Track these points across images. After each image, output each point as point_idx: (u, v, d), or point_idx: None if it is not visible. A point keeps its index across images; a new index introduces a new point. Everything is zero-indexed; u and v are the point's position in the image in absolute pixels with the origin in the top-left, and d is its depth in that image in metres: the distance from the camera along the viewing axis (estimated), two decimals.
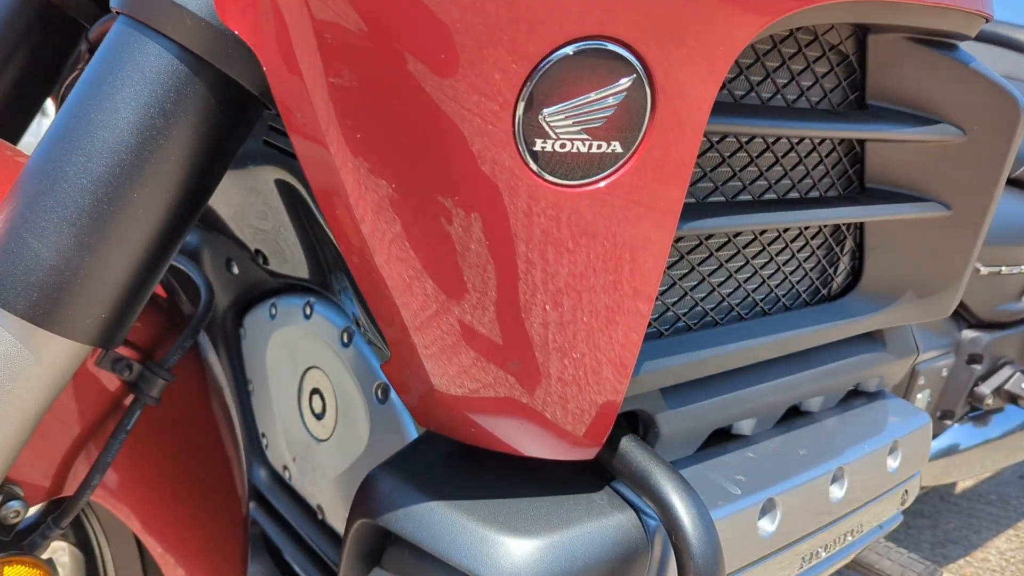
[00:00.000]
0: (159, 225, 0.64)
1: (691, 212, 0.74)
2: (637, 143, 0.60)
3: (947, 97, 0.87)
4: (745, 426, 0.94)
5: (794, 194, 0.87)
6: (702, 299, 0.84)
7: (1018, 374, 1.79)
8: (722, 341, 0.84)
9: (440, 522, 0.75)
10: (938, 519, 2.36)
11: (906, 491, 1.14)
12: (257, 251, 1.12)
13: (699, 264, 0.82)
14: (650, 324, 0.82)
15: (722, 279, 0.85)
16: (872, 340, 1.10)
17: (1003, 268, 1.71)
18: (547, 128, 0.57)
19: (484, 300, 0.63)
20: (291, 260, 1.05)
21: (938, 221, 0.96)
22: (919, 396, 1.67)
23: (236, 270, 1.23)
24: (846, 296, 1.01)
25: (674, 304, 0.82)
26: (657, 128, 0.61)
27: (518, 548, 0.72)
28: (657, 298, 0.81)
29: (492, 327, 0.65)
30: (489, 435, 0.75)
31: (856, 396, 1.15)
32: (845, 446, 1.01)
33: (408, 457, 0.84)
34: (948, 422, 1.79)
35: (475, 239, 0.60)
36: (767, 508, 0.89)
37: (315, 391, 1.17)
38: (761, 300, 0.91)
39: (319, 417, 1.15)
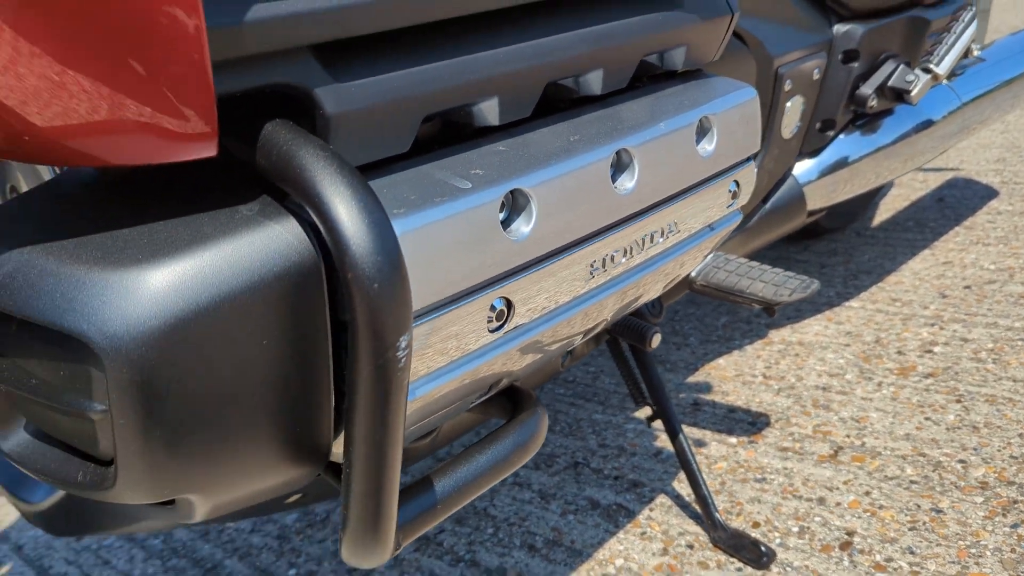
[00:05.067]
0: None
1: None
2: None
3: None
4: (488, 111, 0.73)
5: None
6: None
7: (901, 67, 1.60)
8: None
9: (23, 273, 0.55)
10: (852, 254, 2.23)
11: (736, 183, 0.96)
12: None
13: None
14: None
15: None
16: None
17: None
18: None
19: None
20: None
21: None
22: (789, 104, 1.47)
23: None
24: None
25: None
26: None
27: (117, 282, 0.53)
28: None
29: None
30: (77, 150, 0.54)
31: (666, 78, 0.95)
32: (634, 127, 0.81)
33: (9, 207, 0.63)
34: (831, 133, 1.61)
35: None
36: (516, 204, 0.70)
37: (12, 189, 0.95)
38: None
39: None
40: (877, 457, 1.38)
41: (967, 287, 1.93)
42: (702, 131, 0.88)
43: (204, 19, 0.49)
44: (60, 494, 0.98)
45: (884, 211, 2.51)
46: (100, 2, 0.47)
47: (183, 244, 0.55)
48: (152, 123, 0.52)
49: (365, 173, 0.66)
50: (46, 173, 0.83)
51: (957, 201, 2.48)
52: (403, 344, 0.56)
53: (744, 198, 0.99)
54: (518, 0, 0.72)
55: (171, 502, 0.67)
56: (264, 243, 0.56)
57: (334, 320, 0.61)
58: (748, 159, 0.97)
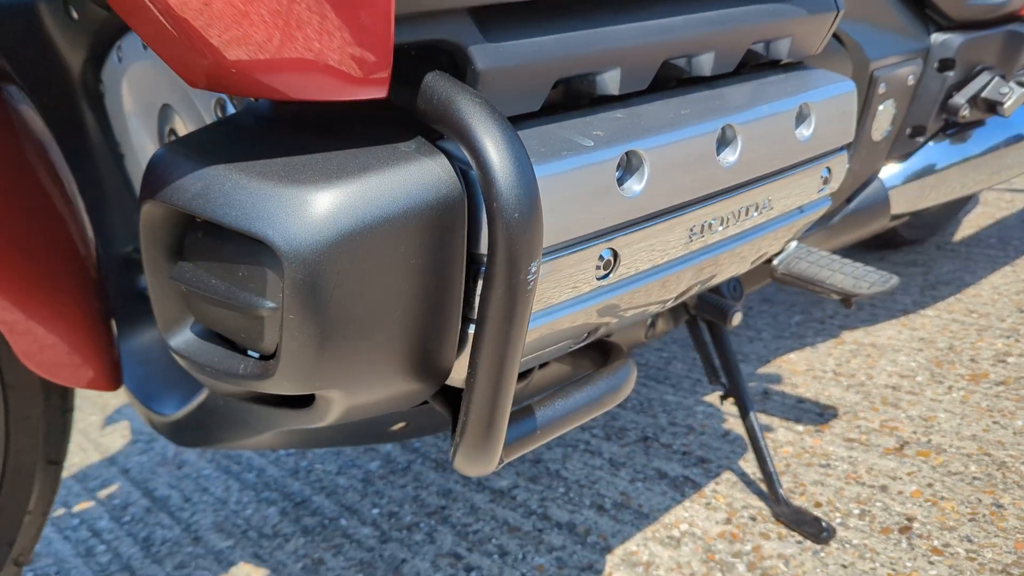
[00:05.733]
0: None
1: None
2: None
3: None
4: (610, 81, 0.81)
5: None
6: None
7: (997, 79, 1.62)
8: None
9: (219, 186, 0.65)
10: (932, 265, 2.25)
11: (828, 169, 1.02)
12: None
13: None
14: None
15: None
16: None
17: None
18: None
19: None
20: None
21: None
22: (881, 108, 1.52)
23: (75, 15, 1.11)
24: None
25: None
26: None
27: (299, 198, 0.63)
28: None
29: None
30: (265, 84, 0.64)
31: (769, 67, 1.02)
32: (739, 107, 0.88)
33: (199, 134, 0.73)
34: (920, 139, 1.64)
35: None
36: (631, 164, 0.78)
37: (171, 132, 1.06)
38: None
39: None
40: (942, 453, 1.42)
41: None
42: (801, 117, 0.95)
43: None
44: (188, 408, 1.09)
45: (967, 227, 2.51)
46: None
47: (353, 171, 0.65)
48: (339, 65, 0.61)
49: None
50: (208, 117, 0.94)
51: None
52: (532, 270, 0.65)
53: (835, 185, 1.05)
54: None
55: (309, 403, 0.77)
56: (420, 175, 0.66)
57: (467, 254, 0.70)
58: (841, 148, 1.03)
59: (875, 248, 2.39)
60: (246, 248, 0.66)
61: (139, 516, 1.53)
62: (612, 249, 0.80)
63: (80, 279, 0.95)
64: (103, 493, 1.62)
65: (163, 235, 0.72)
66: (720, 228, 0.90)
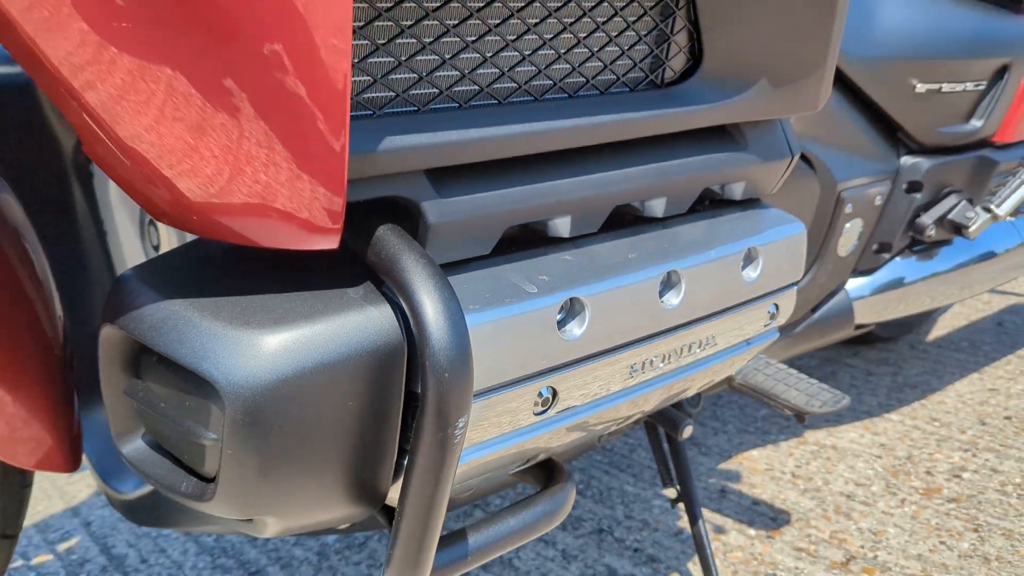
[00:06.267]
0: None
1: None
2: None
3: None
4: (561, 227, 0.85)
5: None
6: (471, 71, 0.75)
7: (964, 203, 1.68)
8: (499, 122, 0.75)
9: (172, 322, 0.69)
10: (901, 366, 2.29)
11: (776, 305, 1.06)
12: None
13: (455, 28, 0.73)
14: (404, 98, 0.73)
15: (497, 49, 0.76)
16: (728, 137, 1.00)
17: (944, 85, 1.58)
18: None
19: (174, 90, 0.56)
20: None
21: None
22: (847, 226, 1.57)
23: None
24: (684, 83, 0.91)
25: (432, 73, 0.73)
26: None
27: (245, 342, 0.67)
28: (408, 66, 0.72)
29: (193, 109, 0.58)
30: (222, 226, 0.68)
31: (723, 205, 1.06)
32: (686, 251, 0.93)
33: (161, 260, 0.77)
34: (886, 255, 1.69)
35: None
36: (573, 309, 0.82)
37: (151, 222, 1.11)
38: (561, 80, 0.81)
39: (157, 251, 1.10)
40: (887, 572, 1.44)
41: (1008, 417, 1.97)
42: (749, 259, 0.99)
43: (348, 148, 0.63)
44: (145, 489, 1.12)
45: (941, 327, 2.55)
46: (279, 134, 0.61)
47: (299, 317, 0.68)
48: (295, 218, 0.66)
49: (452, 268, 0.79)
50: None
51: (1016, 328, 2.51)
52: (461, 424, 0.68)
53: (782, 319, 1.09)
54: (596, 140, 0.84)
55: (249, 518, 0.80)
56: (363, 323, 0.69)
57: (405, 391, 0.74)
58: (790, 285, 1.07)
59: (849, 343, 2.43)
60: (194, 381, 0.70)
61: (95, 574, 1.55)
62: (551, 387, 0.83)
63: (44, 362, 0.99)
64: (63, 547, 1.64)
65: (120, 354, 0.76)
66: (662, 364, 0.94)
